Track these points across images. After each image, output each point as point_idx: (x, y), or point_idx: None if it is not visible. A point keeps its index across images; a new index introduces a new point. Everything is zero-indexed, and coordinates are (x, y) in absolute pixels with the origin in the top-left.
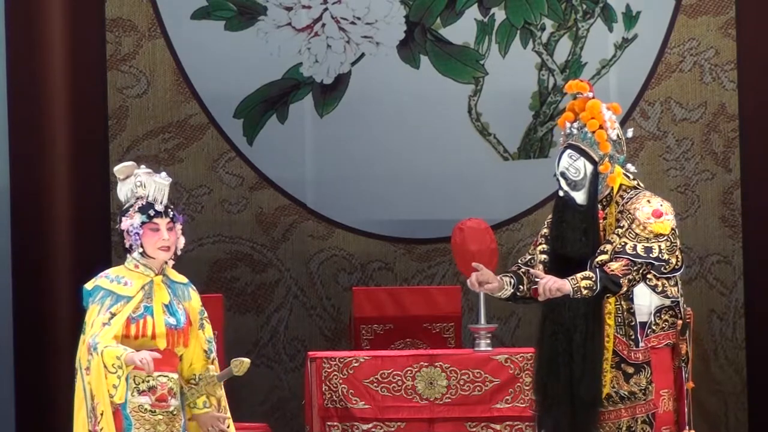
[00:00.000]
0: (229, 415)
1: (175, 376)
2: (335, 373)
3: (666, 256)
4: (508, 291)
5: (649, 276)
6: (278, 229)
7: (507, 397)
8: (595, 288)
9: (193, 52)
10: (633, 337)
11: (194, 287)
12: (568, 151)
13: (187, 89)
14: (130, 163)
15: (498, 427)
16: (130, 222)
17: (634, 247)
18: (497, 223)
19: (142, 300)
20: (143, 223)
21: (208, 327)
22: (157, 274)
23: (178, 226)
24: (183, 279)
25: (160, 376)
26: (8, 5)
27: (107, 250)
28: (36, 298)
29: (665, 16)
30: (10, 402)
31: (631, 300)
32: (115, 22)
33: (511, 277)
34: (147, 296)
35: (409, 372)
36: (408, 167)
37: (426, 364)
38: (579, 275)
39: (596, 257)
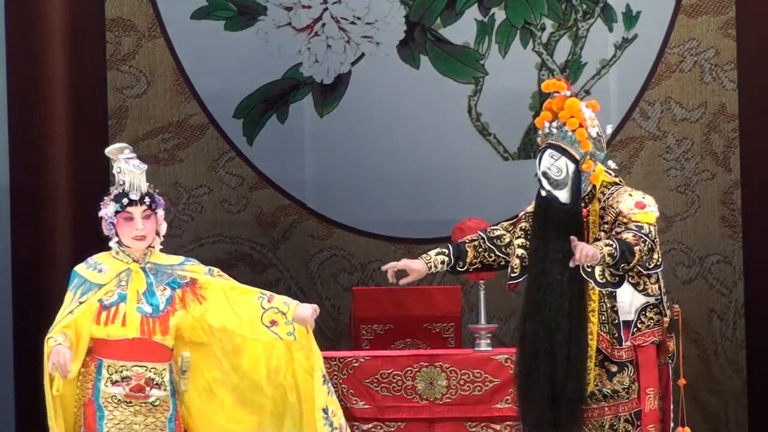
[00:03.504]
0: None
1: (159, 365)
2: (335, 372)
3: (653, 238)
4: (438, 269)
5: (631, 273)
6: (278, 229)
7: (507, 397)
8: (615, 255)
9: (193, 52)
10: (616, 335)
11: (193, 260)
12: (549, 150)
13: (186, 89)
14: (120, 145)
15: (498, 427)
16: (105, 211)
17: (627, 227)
18: (497, 223)
19: (116, 287)
20: (117, 212)
21: (227, 280)
22: (135, 261)
23: (160, 212)
24: (175, 260)
25: (134, 366)
26: (8, 5)
27: (108, 249)
28: (36, 298)
29: (665, 16)
30: (10, 402)
31: (615, 298)
32: (115, 21)
33: (446, 255)
34: (122, 283)
35: (409, 372)
36: (408, 167)
37: (426, 364)
38: (601, 243)
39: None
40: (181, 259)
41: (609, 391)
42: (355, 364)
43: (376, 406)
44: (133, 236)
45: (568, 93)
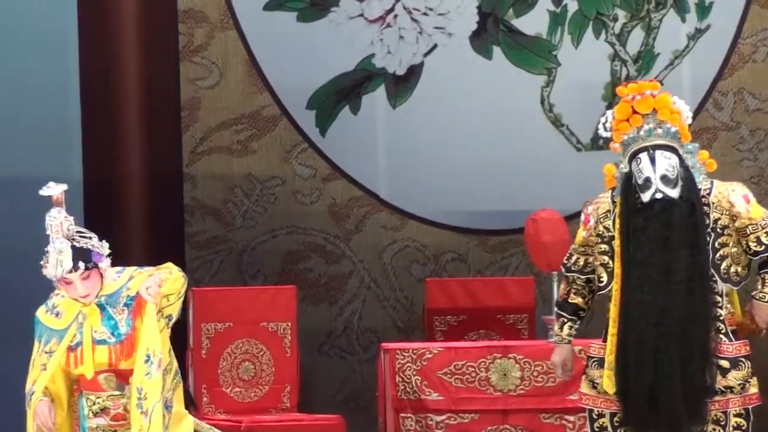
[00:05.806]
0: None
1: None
2: (408, 364)
3: None
4: (574, 335)
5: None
6: (351, 220)
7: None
8: None
9: (266, 43)
10: (724, 330)
11: (140, 270)
12: (659, 151)
13: (259, 80)
14: (57, 192)
15: (572, 418)
16: (46, 271)
17: (758, 239)
18: (570, 214)
19: (78, 328)
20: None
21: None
22: (86, 304)
23: (103, 264)
24: (123, 279)
25: (109, 396)
26: None
27: (181, 241)
28: None
29: (738, 6)
30: None
31: (718, 294)
32: (188, 13)
33: (567, 319)
34: (81, 323)
35: (482, 363)
36: (481, 158)
37: (500, 355)
38: (763, 287)
39: (726, 274)
40: (128, 274)
41: (721, 387)
42: (429, 356)
43: (450, 397)
44: (76, 297)
45: (657, 92)
